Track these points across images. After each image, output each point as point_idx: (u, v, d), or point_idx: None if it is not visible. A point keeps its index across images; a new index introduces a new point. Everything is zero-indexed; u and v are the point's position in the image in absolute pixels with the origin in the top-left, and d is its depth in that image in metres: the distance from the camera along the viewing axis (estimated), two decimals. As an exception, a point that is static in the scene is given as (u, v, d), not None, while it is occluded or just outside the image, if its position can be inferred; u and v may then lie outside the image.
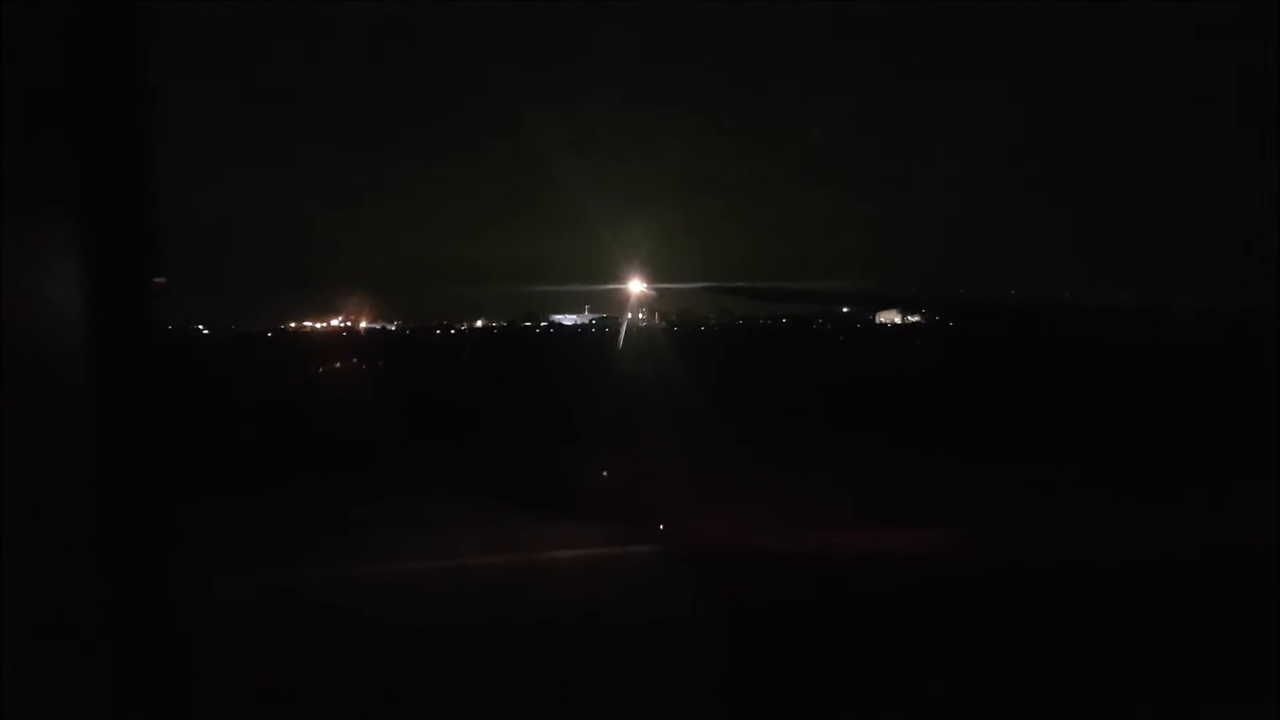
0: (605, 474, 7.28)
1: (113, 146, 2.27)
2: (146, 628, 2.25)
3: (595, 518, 6.08)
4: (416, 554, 5.27)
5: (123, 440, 2.20)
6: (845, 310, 62.57)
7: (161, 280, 2.45)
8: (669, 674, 3.52)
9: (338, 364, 25.98)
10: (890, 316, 61.98)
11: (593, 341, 57.61)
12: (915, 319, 59.58)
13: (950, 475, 8.17)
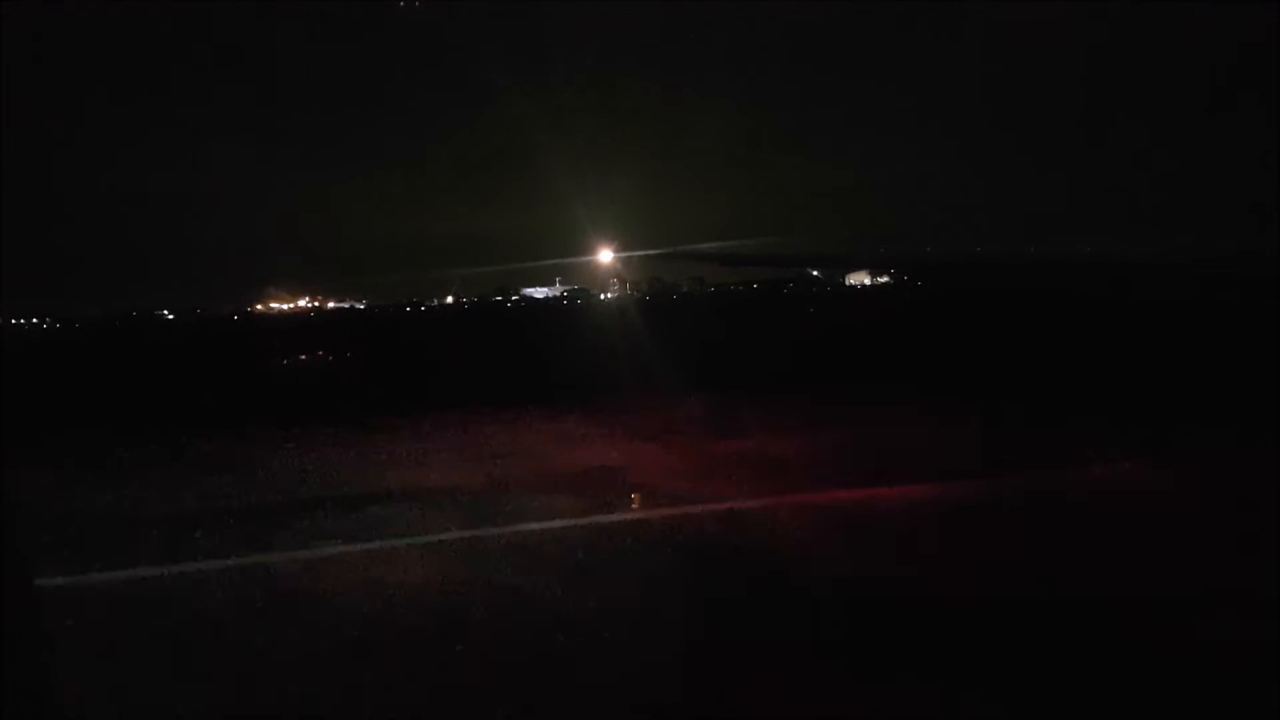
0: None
1: None
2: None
3: (582, 489, 5.91)
4: (397, 531, 5.05)
5: None
6: (816, 274, 62.78)
7: None
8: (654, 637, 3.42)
9: (304, 351, 25.33)
10: (860, 278, 62.22)
11: (563, 312, 56.80)
12: (885, 279, 59.86)
13: (943, 427, 8.18)
